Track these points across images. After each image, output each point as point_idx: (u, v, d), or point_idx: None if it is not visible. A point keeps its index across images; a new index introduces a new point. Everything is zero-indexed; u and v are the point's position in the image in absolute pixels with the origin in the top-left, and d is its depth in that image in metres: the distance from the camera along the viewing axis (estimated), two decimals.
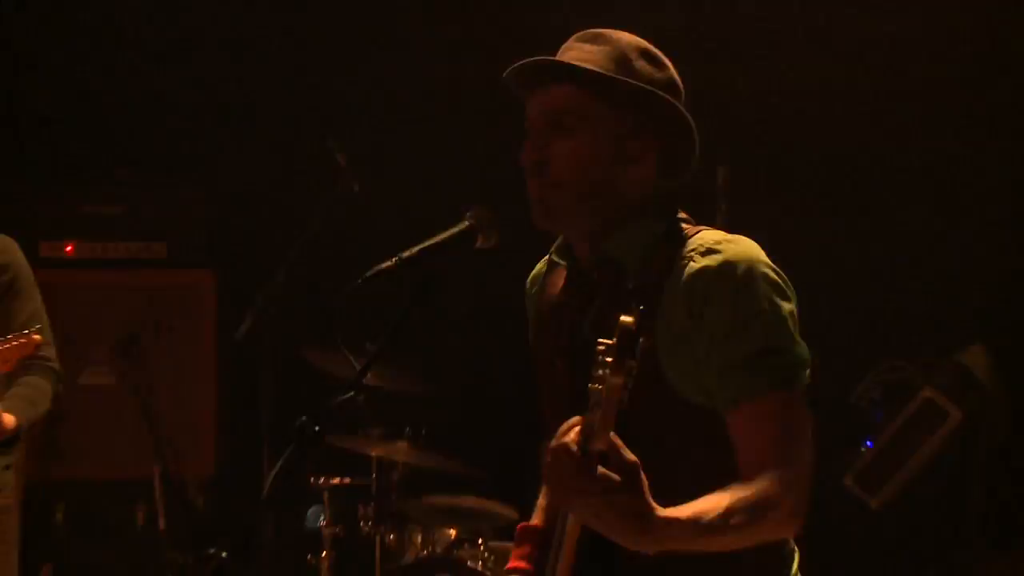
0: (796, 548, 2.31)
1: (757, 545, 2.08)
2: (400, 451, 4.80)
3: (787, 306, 2.11)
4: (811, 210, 4.87)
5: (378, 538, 4.78)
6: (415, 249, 2.24)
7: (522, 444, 4.42)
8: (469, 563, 4.39)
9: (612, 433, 1.75)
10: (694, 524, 1.86)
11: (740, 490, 1.96)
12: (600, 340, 1.74)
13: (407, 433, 4.82)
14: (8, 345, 3.19)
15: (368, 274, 2.22)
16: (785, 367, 2.07)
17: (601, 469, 1.73)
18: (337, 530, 4.88)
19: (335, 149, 5.16)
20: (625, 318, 1.71)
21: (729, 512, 1.90)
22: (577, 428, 1.79)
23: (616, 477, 1.73)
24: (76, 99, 6.00)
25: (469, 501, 5.00)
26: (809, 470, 2.05)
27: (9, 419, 3.32)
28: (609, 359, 1.71)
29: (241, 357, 5.47)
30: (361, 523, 4.84)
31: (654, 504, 1.79)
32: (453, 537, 4.64)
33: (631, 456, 1.74)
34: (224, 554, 2.09)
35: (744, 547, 2.00)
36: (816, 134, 4.95)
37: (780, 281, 2.13)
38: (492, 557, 4.44)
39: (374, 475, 4.86)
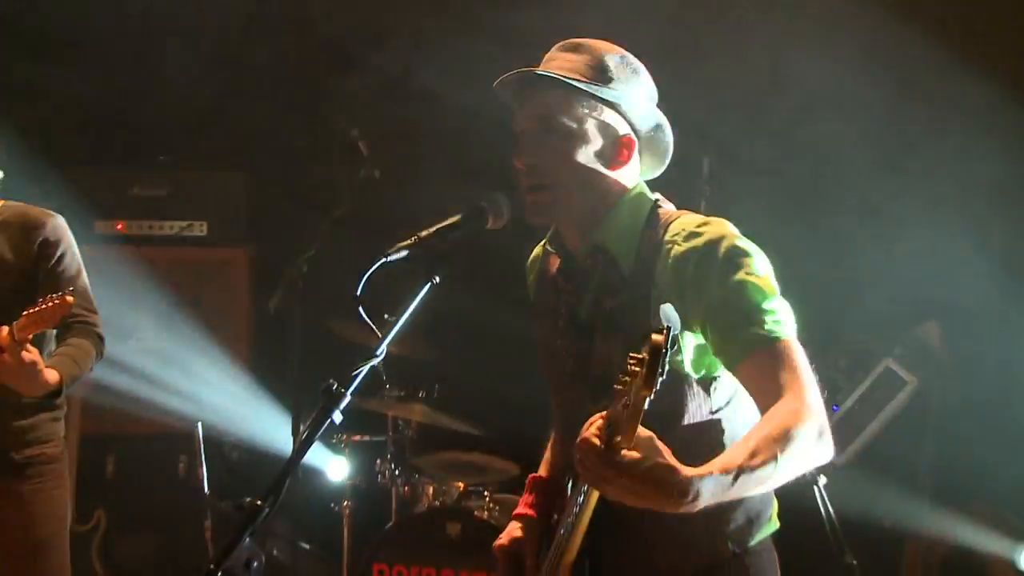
0: (774, 496, 2.34)
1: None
2: (414, 412, 4.82)
3: (765, 271, 2.14)
4: (786, 200, 4.83)
5: (394, 489, 4.81)
6: (432, 229, 2.25)
7: (523, 407, 4.47)
8: (476, 512, 4.40)
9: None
10: (724, 472, 1.85)
11: (761, 428, 1.99)
12: (632, 355, 1.76)
13: (421, 396, 4.88)
14: (45, 306, 3.16)
15: (390, 251, 2.22)
16: (775, 321, 2.07)
17: (624, 452, 1.75)
18: (357, 481, 4.94)
19: (358, 138, 5.18)
20: (656, 337, 1.73)
21: (755, 451, 1.90)
22: (599, 423, 1.81)
23: (637, 455, 1.75)
24: (127, 93, 5.98)
25: (475, 457, 5.06)
26: (814, 397, 2.04)
27: (53, 375, 3.30)
28: (637, 369, 1.73)
29: (272, 326, 5.42)
30: (379, 476, 4.85)
31: (679, 465, 1.80)
32: (461, 489, 4.64)
33: (645, 432, 1.77)
34: (259, 502, 2.05)
35: (779, 482, 1.99)
36: (791, 126, 4.90)
37: (755, 252, 2.15)
38: (496, 507, 4.45)
39: (391, 433, 4.88)
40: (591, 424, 1.82)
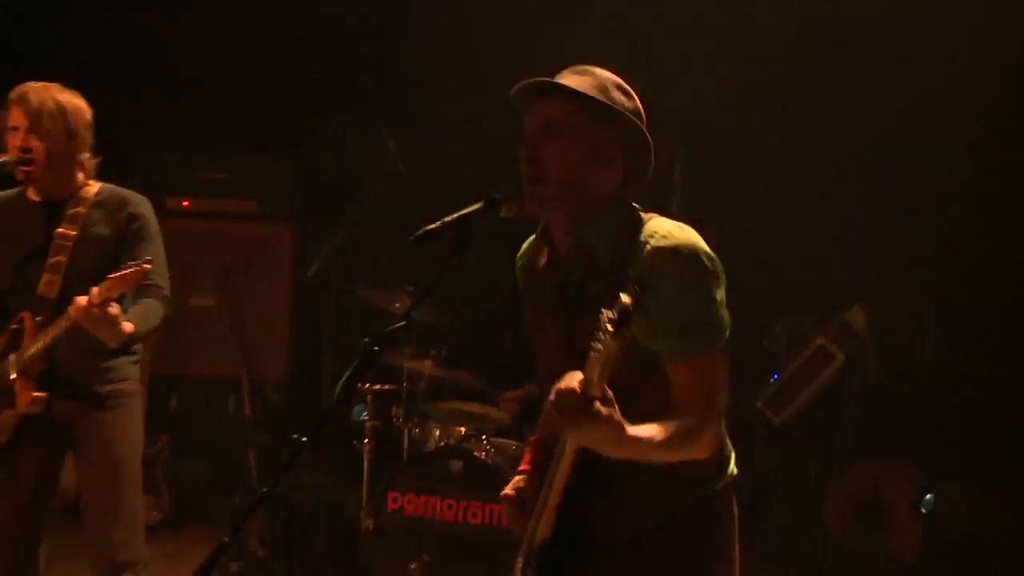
0: (732, 449, 2.35)
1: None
2: (426, 366, 4.81)
3: (717, 284, 2.14)
4: (743, 199, 4.84)
5: (406, 431, 4.80)
6: (455, 215, 2.24)
7: (516, 366, 4.57)
8: (475, 453, 4.34)
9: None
10: (644, 442, 1.94)
11: (673, 424, 2.02)
12: (603, 310, 1.78)
13: (432, 353, 4.85)
14: (126, 271, 3.15)
15: (419, 233, 2.20)
16: (710, 335, 2.10)
17: (596, 405, 1.81)
18: (376, 423, 4.91)
19: (386, 137, 5.18)
20: (625, 297, 1.76)
21: (665, 437, 1.98)
22: (579, 377, 1.83)
23: (605, 411, 1.81)
24: (194, 90, 6.00)
25: (475, 407, 5.00)
26: (722, 412, 2.12)
27: (128, 326, 3.26)
28: (610, 328, 1.76)
29: (309, 289, 5.51)
30: (394, 419, 4.82)
31: (627, 425, 1.87)
32: (463, 433, 4.59)
33: (610, 394, 1.83)
34: (303, 439, 2.06)
35: (673, 459, 2.08)
36: (745, 136, 4.89)
37: (713, 265, 2.14)
38: (492, 449, 4.42)
39: (405, 383, 4.85)
40: (572, 377, 1.86)
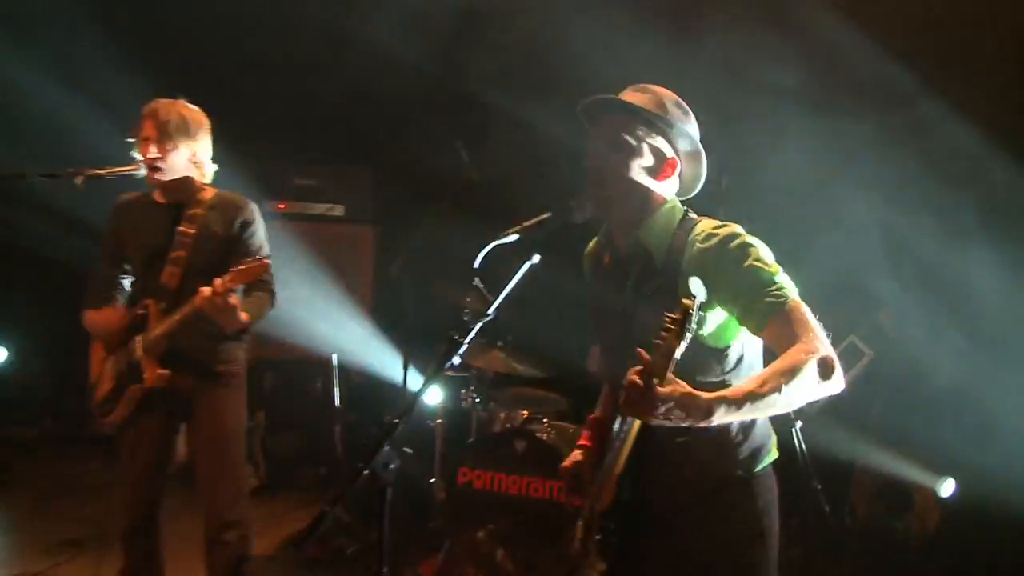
0: (774, 434, 2.33)
1: (748, 422, 2.15)
2: (492, 356, 4.81)
3: (768, 257, 2.15)
4: (783, 205, 4.76)
5: (474, 413, 4.82)
6: (534, 220, 2.28)
7: (572, 358, 4.61)
8: (537, 434, 4.36)
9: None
10: (734, 396, 1.93)
11: (773, 365, 2.01)
12: (667, 314, 1.83)
13: (498, 344, 4.86)
14: (247, 266, 3.23)
15: (502, 235, 2.25)
16: (781, 292, 2.08)
17: (658, 390, 1.86)
18: (448, 405, 4.93)
19: (460, 148, 5.19)
20: (686, 301, 1.82)
21: (764, 381, 1.95)
22: (641, 368, 1.88)
23: (667, 390, 1.87)
24: (290, 108, 6.07)
25: (536, 392, 5.08)
26: (821, 342, 2.03)
27: (245, 316, 3.37)
28: (672, 327, 1.83)
29: (389, 286, 5.50)
30: (463, 402, 4.83)
31: (697, 392, 1.90)
32: (526, 416, 4.61)
33: (671, 376, 1.88)
34: (396, 420, 2.14)
35: (792, 407, 2.00)
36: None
37: (759, 244, 2.17)
38: (552, 430, 4.43)
39: (474, 370, 4.83)
40: (635, 370, 1.90)
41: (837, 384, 2.04)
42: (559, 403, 4.99)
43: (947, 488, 4.48)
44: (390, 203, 5.93)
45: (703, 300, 1.88)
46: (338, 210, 5.90)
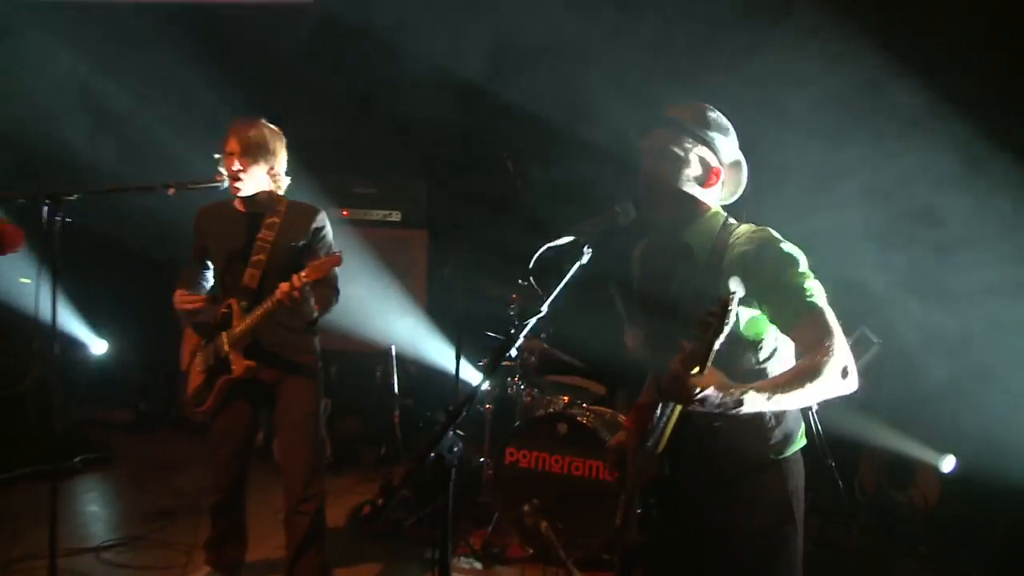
0: (803, 421, 2.33)
1: (780, 411, 2.14)
2: (536, 346, 4.80)
3: (802, 263, 2.16)
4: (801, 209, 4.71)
5: (520, 399, 4.79)
6: (584, 224, 2.26)
7: (609, 349, 4.54)
8: (577, 417, 4.33)
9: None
10: (760, 390, 1.97)
11: (798, 364, 2.07)
12: (709, 311, 1.85)
13: (541, 336, 4.83)
14: (322, 261, 3.26)
15: (554, 239, 2.23)
16: (809, 296, 2.10)
17: (696, 379, 1.89)
18: (496, 391, 4.92)
19: (506, 159, 5.24)
20: (725, 297, 1.84)
21: (789, 379, 2.01)
22: (681, 359, 1.91)
23: (704, 381, 1.90)
24: (350, 125, 6.09)
25: (576, 380, 5.10)
26: (843, 346, 2.06)
27: (316, 307, 3.44)
28: (712, 321, 1.85)
29: (442, 285, 5.53)
30: (509, 388, 4.82)
31: (732, 384, 1.94)
32: (566, 401, 4.59)
33: (710, 367, 1.91)
34: (460, 408, 2.12)
35: (812, 403, 2.07)
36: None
37: (793, 250, 2.17)
38: (590, 414, 4.40)
39: (519, 360, 4.79)
40: (677, 358, 1.93)
41: (852, 384, 2.08)
42: (596, 389, 4.99)
43: (947, 464, 4.46)
44: (441, 210, 5.93)
45: (740, 296, 1.90)
46: (395, 216, 5.91)
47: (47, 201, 3.10)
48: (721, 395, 1.95)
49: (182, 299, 3.53)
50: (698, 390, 1.91)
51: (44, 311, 3.18)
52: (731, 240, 2.23)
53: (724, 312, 1.85)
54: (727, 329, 1.87)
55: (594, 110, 4.75)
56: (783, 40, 4.61)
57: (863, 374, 2.15)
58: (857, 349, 4.34)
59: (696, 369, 1.89)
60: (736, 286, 1.89)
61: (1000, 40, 4.49)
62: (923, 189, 4.35)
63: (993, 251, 4.22)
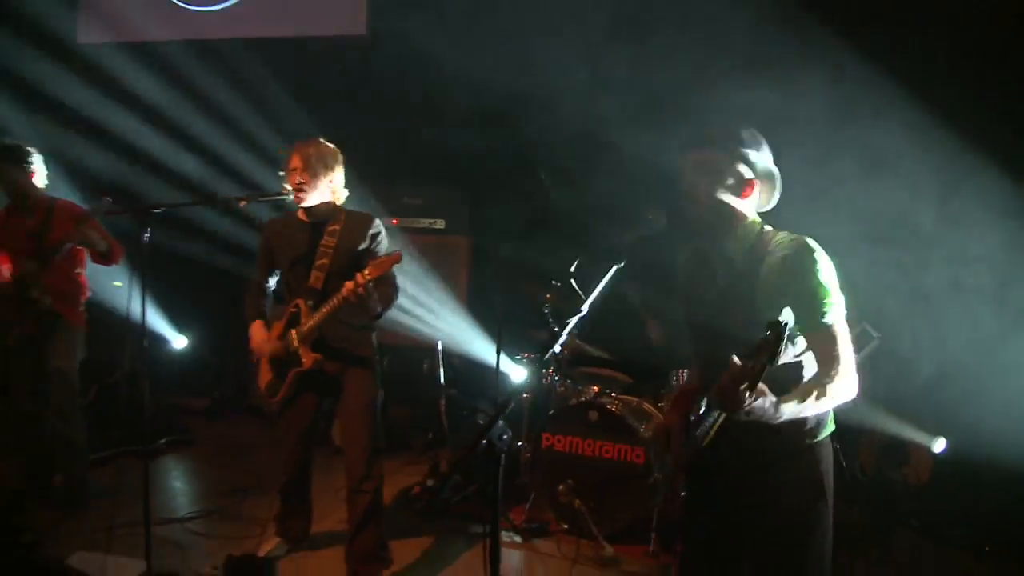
0: (833, 409, 2.27)
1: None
2: (569, 340, 4.54)
3: (831, 275, 2.14)
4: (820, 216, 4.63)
5: (554, 388, 4.77)
6: (620, 233, 2.30)
7: (635, 343, 4.55)
8: (607, 406, 4.31)
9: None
10: (789, 403, 2.02)
11: (818, 378, 2.10)
12: (761, 339, 1.81)
13: (573, 331, 4.83)
14: (385, 258, 3.29)
15: (607, 246, 2.25)
16: (831, 310, 2.11)
17: (746, 396, 1.89)
18: (532, 382, 4.86)
19: (540, 173, 5.19)
20: (773, 323, 1.80)
21: (811, 390, 2.07)
22: (733, 371, 1.87)
23: (753, 396, 1.90)
24: (399, 140, 6.07)
25: (605, 371, 5.03)
26: (849, 363, 2.11)
27: (380, 304, 3.45)
28: (767, 347, 1.80)
29: (483, 286, 5.57)
30: (544, 379, 4.79)
31: (774, 397, 1.97)
32: (597, 391, 4.54)
33: (761, 384, 1.89)
34: (507, 401, 2.17)
35: (824, 409, 2.12)
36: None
37: (825, 261, 2.14)
38: (619, 403, 4.38)
39: (553, 352, 4.82)
40: (727, 376, 1.90)
41: (855, 391, 2.15)
42: (623, 380, 4.96)
43: (939, 445, 4.42)
44: (482, 218, 5.92)
45: (791, 326, 1.89)
46: (439, 224, 5.90)
47: (145, 214, 3.16)
48: (765, 408, 1.98)
49: (259, 343, 3.66)
50: (746, 405, 1.92)
51: (134, 311, 3.25)
52: (770, 247, 2.21)
53: (778, 341, 1.81)
54: (780, 360, 1.85)
55: (622, 130, 4.72)
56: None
57: (863, 365, 2.16)
58: (858, 343, 4.29)
59: (745, 385, 1.87)
60: (787, 316, 1.86)
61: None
62: (915, 197, 4.34)
63: (968, 254, 4.19)
